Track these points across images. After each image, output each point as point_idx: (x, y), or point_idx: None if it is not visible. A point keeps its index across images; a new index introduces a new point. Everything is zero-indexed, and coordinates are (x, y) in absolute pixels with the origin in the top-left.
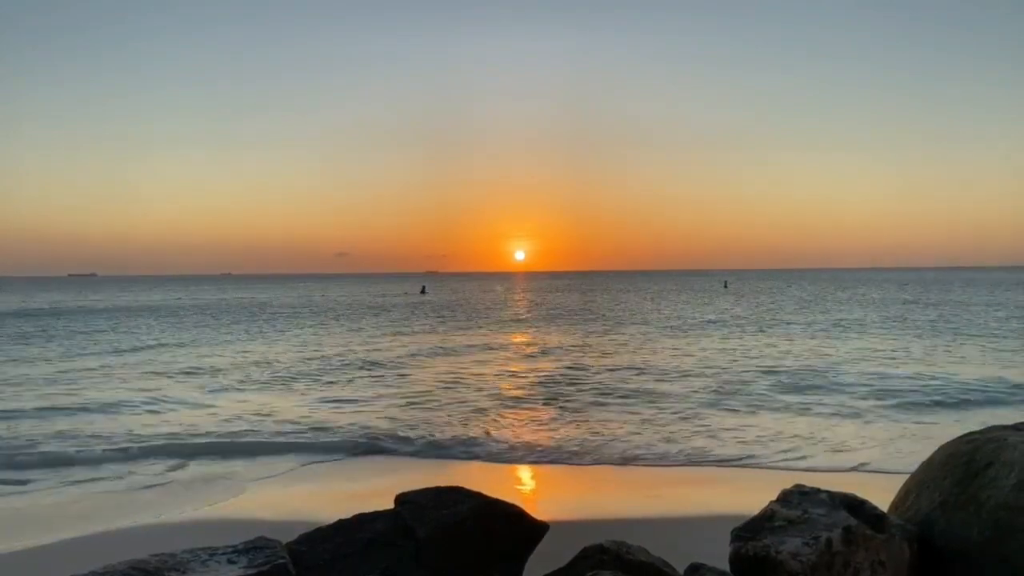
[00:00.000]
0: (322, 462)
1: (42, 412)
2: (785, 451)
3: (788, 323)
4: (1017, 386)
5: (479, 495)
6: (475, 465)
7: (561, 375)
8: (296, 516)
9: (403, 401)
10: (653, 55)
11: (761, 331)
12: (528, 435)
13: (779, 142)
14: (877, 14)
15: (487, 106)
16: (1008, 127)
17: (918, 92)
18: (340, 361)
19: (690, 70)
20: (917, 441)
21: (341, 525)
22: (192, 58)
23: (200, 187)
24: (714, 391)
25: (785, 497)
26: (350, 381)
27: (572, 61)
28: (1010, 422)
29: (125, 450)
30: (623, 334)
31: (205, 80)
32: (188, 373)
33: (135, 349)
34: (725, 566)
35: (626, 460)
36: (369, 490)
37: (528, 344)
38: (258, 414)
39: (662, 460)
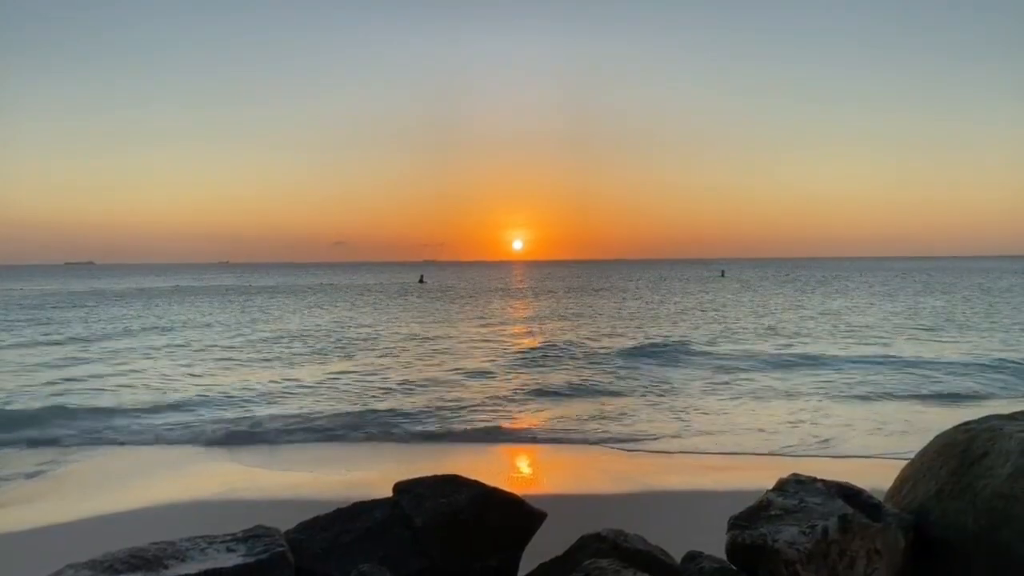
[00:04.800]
0: (321, 446)
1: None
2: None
3: None
4: None
5: (477, 484)
6: (473, 451)
7: (555, 360)
8: (294, 503)
9: (402, 390)
10: (652, 45)
11: None
12: (524, 422)
13: (777, 132)
14: (874, 8)
15: (485, 96)
16: (1006, 120)
17: (916, 82)
18: (339, 348)
19: (689, 60)
20: None
21: (339, 513)
22: (191, 47)
23: (197, 176)
24: None
25: (782, 486)
26: (349, 368)
27: (571, 51)
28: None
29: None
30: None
31: (204, 69)
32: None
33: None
34: (722, 553)
35: (624, 446)
36: (367, 477)
37: (529, 337)
38: (254, 397)
39: (659, 445)
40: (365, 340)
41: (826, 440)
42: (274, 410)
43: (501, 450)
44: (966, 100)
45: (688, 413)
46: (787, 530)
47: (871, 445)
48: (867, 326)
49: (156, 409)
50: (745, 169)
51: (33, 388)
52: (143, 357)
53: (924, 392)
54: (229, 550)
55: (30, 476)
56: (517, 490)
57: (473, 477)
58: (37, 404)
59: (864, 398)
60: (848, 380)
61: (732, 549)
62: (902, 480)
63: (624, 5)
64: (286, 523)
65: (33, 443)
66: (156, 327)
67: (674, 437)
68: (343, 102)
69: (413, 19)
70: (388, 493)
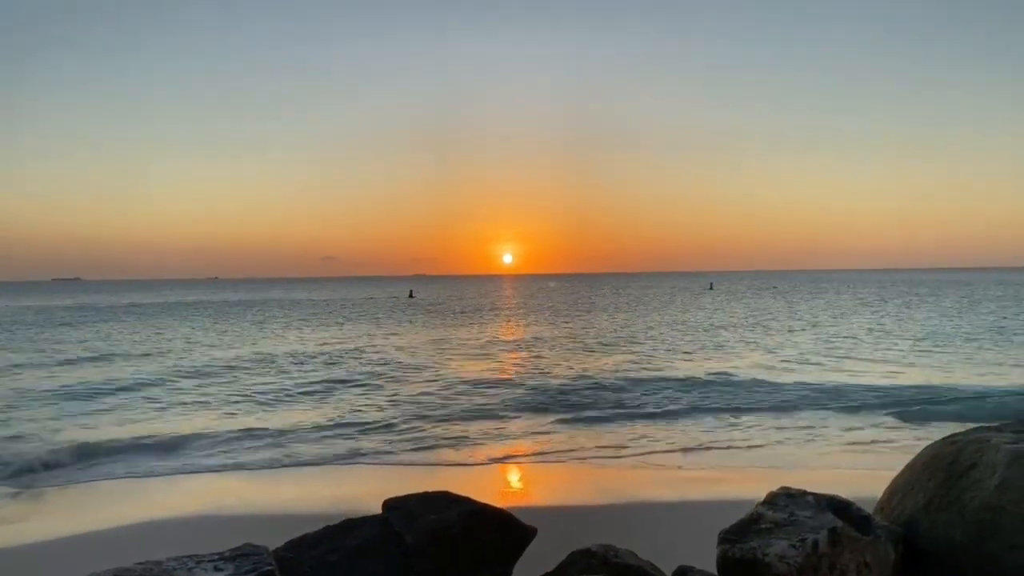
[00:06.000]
0: (310, 466)
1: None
2: None
3: None
4: None
5: (467, 500)
6: (463, 468)
7: (546, 375)
8: (282, 521)
9: (391, 409)
10: (641, 59)
11: None
12: (515, 438)
13: (770, 144)
14: (872, 14)
15: (476, 110)
16: (1005, 126)
17: (912, 92)
18: (327, 367)
19: (681, 72)
20: None
21: (328, 531)
22: (179, 61)
23: (186, 191)
24: None
25: (771, 499)
26: (338, 387)
27: (560, 66)
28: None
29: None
30: None
31: (193, 84)
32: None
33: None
34: (713, 567)
35: (615, 460)
36: (356, 494)
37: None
38: (245, 415)
39: (650, 459)
40: (354, 358)
41: (817, 453)
42: (265, 427)
43: (491, 467)
44: (963, 109)
45: (682, 430)
46: (777, 544)
47: (861, 458)
48: (852, 336)
49: (144, 432)
50: (734, 181)
51: (17, 411)
52: (130, 377)
53: (922, 409)
54: (217, 569)
55: (13, 496)
56: (507, 505)
57: (463, 494)
58: (23, 428)
59: (860, 415)
60: (845, 394)
61: (723, 563)
62: (891, 492)
63: (613, 21)
64: (274, 541)
65: (16, 466)
66: (138, 350)
67: (666, 451)
68: (332, 116)
69: (403, 37)
70: (377, 510)
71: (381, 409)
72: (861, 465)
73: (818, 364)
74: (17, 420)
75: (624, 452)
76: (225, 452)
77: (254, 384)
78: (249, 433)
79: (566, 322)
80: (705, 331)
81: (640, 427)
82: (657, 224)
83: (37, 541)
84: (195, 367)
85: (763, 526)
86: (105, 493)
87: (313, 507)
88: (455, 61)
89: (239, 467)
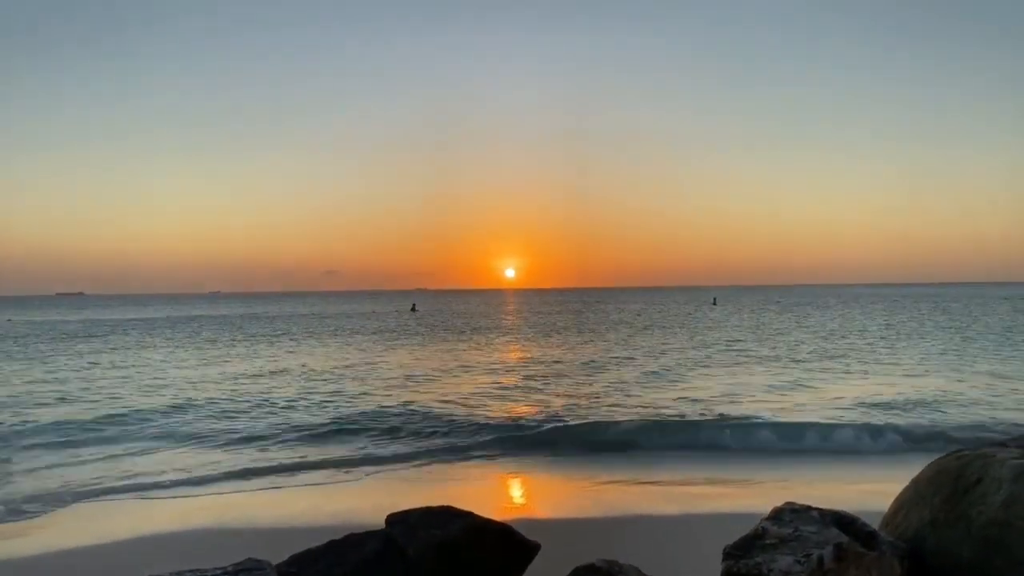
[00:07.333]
0: (311, 485)
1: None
2: None
3: None
4: None
5: (469, 515)
6: (466, 482)
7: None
8: (285, 536)
9: (396, 420)
10: (643, 71)
11: None
12: (518, 454)
13: (773, 155)
14: (874, 24)
15: (476, 123)
16: (1007, 138)
17: (916, 102)
18: (337, 379)
19: (681, 85)
20: None
21: (332, 545)
22: (179, 74)
23: (188, 205)
24: None
25: (776, 514)
26: (343, 402)
27: (563, 77)
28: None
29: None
30: None
31: (192, 98)
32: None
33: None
34: None
35: (616, 474)
36: (359, 509)
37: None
38: (245, 433)
39: (653, 473)
40: (359, 372)
41: (818, 466)
42: (267, 442)
43: (494, 481)
44: (971, 120)
45: (683, 447)
46: (782, 559)
47: (866, 472)
48: (848, 349)
49: (143, 451)
50: (738, 194)
51: (15, 439)
52: (133, 399)
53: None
54: None
55: (12, 512)
56: (510, 520)
57: (466, 508)
58: (16, 455)
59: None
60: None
61: None
62: (896, 508)
63: (612, 31)
64: (277, 556)
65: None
66: (142, 371)
67: (668, 463)
68: (333, 130)
69: (400, 48)
70: (380, 524)
71: (386, 424)
72: (866, 479)
73: (827, 374)
74: (12, 448)
75: (628, 468)
76: (227, 466)
77: (256, 399)
78: (250, 447)
79: (577, 339)
80: (713, 348)
81: (648, 446)
82: (658, 237)
83: (33, 555)
84: (199, 384)
85: (768, 541)
86: (105, 510)
87: (316, 522)
88: (455, 75)
89: (242, 482)
